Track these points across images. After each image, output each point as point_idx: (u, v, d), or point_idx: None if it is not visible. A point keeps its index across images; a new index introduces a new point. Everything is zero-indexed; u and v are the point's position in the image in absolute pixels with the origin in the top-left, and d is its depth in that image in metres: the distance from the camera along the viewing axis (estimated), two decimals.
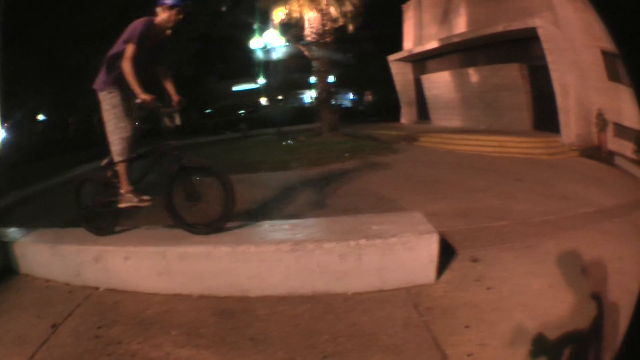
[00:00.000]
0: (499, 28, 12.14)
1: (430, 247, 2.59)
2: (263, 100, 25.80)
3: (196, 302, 2.77)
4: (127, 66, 2.77)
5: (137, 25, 2.89)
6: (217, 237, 2.99)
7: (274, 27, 15.43)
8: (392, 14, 19.04)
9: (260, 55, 18.76)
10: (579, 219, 4.42)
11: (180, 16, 2.98)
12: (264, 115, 21.27)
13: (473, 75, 14.40)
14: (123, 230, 3.39)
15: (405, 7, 19.25)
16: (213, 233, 3.03)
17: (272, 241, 2.73)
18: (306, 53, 15.07)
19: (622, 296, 2.32)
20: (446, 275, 2.86)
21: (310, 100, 24.33)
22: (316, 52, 14.50)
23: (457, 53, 14.96)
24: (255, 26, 17.21)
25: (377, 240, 2.50)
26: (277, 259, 2.67)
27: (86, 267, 3.09)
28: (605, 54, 11.72)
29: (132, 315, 2.68)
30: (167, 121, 2.94)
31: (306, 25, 14.44)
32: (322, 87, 14.45)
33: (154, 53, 3.08)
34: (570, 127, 11.14)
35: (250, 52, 18.87)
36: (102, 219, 3.31)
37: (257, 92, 25.00)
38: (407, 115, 18.58)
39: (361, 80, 24.71)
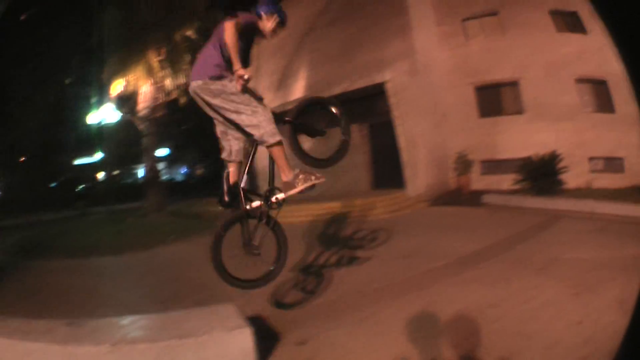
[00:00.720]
0: (339, 89, 11.89)
1: (244, 341, 2.55)
2: (101, 175, 25.08)
3: None
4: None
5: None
6: None
7: (111, 101, 14.77)
8: None
9: (97, 129, 18.52)
10: (429, 276, 4.32)
11: (280, 27, 3.05)
12: (100, 192, 21.16)
13: (306, 142, 13.74)
14: None
15: None
16: None
17: (92, 341, 2.58)
18: (140, 128, 13.95)
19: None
20: None
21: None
22: (146, 127, 13.57)
23: None
24: (94, 99, 17.14)
25: (189, 340, 2.49)
26: None
27: None
28: (479, 89, 12.75)
29: None
30: None
31: (140, 99, 13.58)
32: (150, 164, 13.71)
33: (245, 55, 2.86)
34: (418, 178, 11.09)
35: (89, 126, 18.82)
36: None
37: (95, 167, 24.56)
38: None
39: (194, 153, 24.50)
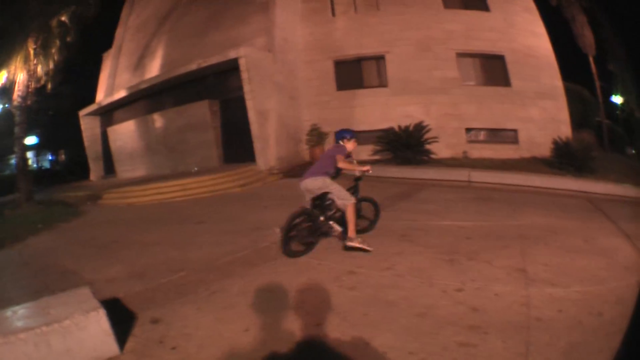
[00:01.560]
0: (193, 66, 11.61)
1: (100, 322, 2.64)
2: None
3: None
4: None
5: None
6: None
7: None
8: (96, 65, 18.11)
9: None
10: (275, 248, 4.30)
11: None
12: None
13: (158, 120, 13.70)
14: None
15: (105, 56, 18.00)
16: None
17: None
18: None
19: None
20: (130, 343, 2.76)
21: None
22: (18, 116, 12.87)
23: (145, 99, 14.15)
24: None
25: (55, 325, 2.58)
26: None
27: None
28: (339, 64, 12.64)
29: None
30: None
31: (16, 88, 13.03)
32: (20, 154, 12.82)
33: None
34: (270, 152, 11.01)
35: None
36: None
37: None
38: (95, 172, 17.61)
39: (60, 140, 24.56)
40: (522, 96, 12.00)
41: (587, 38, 14.99)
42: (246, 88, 10.64)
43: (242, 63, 10.57)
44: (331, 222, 4.34)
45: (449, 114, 11.78)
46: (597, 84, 15.96)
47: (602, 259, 3.72)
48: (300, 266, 3.83)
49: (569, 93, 12.97)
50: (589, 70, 15.77)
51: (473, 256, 3.87)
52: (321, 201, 4.31)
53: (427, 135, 10.71)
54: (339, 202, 4.20)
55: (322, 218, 4.27)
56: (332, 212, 4.35)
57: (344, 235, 4.22)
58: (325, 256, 4.06)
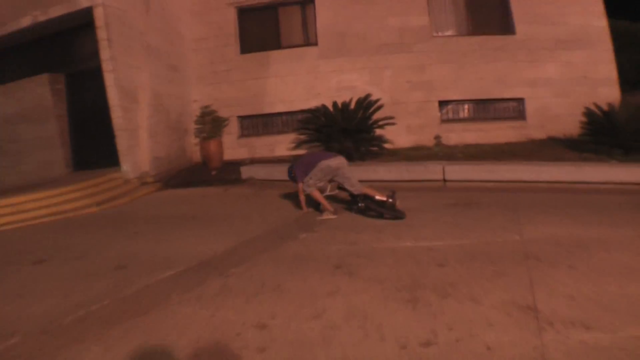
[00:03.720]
0: (25, 21, 11.00)
1: None
2: None
3: None
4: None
5: None
6: None
7: None
8: None
9: None
10: (151, 293, 4.29)
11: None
12: None
13: None
14: None
15: None
16: None
17: None
18: None
19: None
20: None
21: None
22: None
23: None
24: None
25: None
26: None
27: None
28: (244, 11, 12.38)
29: None
30: None
31: None
32: None
33: None
34: (141, 150, 10.75)
35: None
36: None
37: None
38: None
39: None
40: (533, 47, 11.64)
41: None
42: (105, 54, 10.06)
43: (98, 16, 10.00)
44: None
45: (412, 81, 11.58)
46: None
47: None
48: (185, 320, 3.67)
49: (617, 36, 12.14)
50: None
51: (449, 291, 3.66)
52: None
53: (377, 115, 10.37)
54: None
55: None
56: None
57: None
58: (221, 303, 3.92)
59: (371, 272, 4.34)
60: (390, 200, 6.22)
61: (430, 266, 4.33)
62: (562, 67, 11.68)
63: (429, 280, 3.98)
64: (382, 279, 4.13)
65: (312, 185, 6.51)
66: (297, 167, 6.69)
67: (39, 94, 11.63)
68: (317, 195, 6.52)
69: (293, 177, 6.72)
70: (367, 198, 6.40)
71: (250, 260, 4.95)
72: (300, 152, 11.22)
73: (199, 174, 11.29)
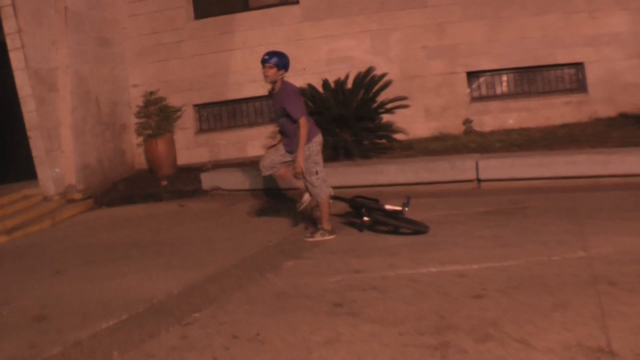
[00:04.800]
0: None
1: None
2: None
3: None
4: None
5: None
6: None
7: None
8: None
9: None
10: (86, 351, 4.25)
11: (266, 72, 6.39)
12: None
13: None
14: None
15: None
16: None
17: None
18: None
19: None
20: None
21: None
22: None
23: None
24: None
25: None
26: None
27: None
28: None
29: None
30: None
31: None
32: None
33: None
34: (64, 156, 10.94)
35: None
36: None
37: None
38: None
39: None
40: None
41: None
42: (9, 26, 10.25)
43: None
44: None
45: (429, 47, 11.79)
46: None
47: None
48: None
49: None
50: None
51: (489, 333, 3.64)
52: None
53: (383, 96, 10.49)
54: None
55: None
56: None
57: None
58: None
59: (383, 310, 4.36)
60: (407, 209, 6.26)
61: (463, 299, 4.36)
62: (636, 17, 11.53)
63: (462, 319, 3.97)
64: (398, 319, 4.12)
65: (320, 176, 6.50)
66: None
67: None
68: (324, 203, 6.52)
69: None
70: (375, 209, 6.41)
71: (217, 301, 5.01)
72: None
73: (144, 185, 11.66)
